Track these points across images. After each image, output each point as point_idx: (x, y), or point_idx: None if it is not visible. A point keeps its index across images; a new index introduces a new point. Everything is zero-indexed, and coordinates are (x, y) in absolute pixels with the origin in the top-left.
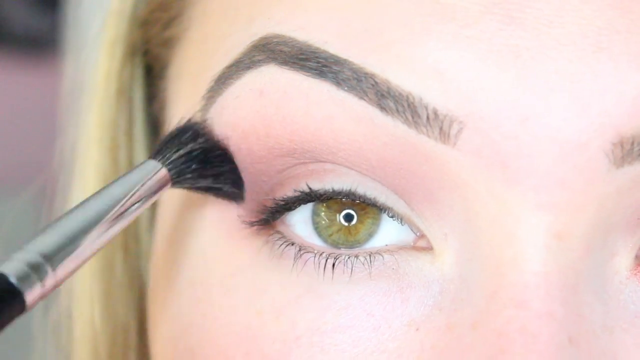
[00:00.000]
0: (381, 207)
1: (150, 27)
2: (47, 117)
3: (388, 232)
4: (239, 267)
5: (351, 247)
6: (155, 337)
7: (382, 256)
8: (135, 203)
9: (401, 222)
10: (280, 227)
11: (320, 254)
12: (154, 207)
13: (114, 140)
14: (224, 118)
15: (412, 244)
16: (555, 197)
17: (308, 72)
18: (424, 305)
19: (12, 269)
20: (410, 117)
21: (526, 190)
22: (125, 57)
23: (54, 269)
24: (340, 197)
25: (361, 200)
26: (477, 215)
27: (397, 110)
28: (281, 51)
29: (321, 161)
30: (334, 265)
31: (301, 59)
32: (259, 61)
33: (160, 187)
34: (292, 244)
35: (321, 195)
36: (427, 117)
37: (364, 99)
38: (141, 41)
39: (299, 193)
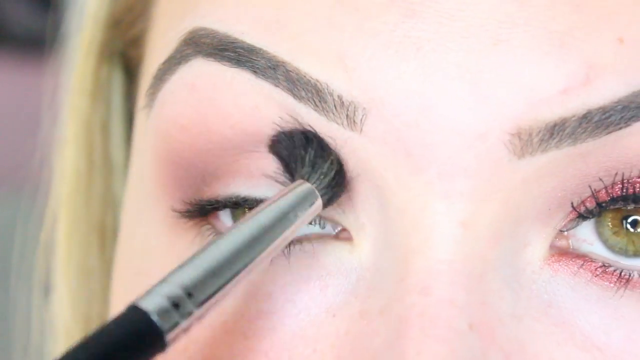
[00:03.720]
0: None
1: (121, 28)
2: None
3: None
4: (177, 257)
5: None
6: None
7: (302, 244)
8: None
9: (323, 226)
10: (212, 219)
11: None
12: None
13: (89, 140)
14: (164, 114)
15: (334, 233)
16: (459, 186)
17: (228, 62)
18: (342, 293)
19: (153, 304)
20: (319, 104)
21: (431, 178)
22: (101, 58)
23: (197, 306)
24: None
25: None
26: (388, 204)
27: (308, 98)
28: (204, 43)
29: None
30: None
31: (221, 50)
32: (188, 55)
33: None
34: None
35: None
36: (334, 104)
37: (279, 87)
38: (118, 42)
39: (224, 199)
